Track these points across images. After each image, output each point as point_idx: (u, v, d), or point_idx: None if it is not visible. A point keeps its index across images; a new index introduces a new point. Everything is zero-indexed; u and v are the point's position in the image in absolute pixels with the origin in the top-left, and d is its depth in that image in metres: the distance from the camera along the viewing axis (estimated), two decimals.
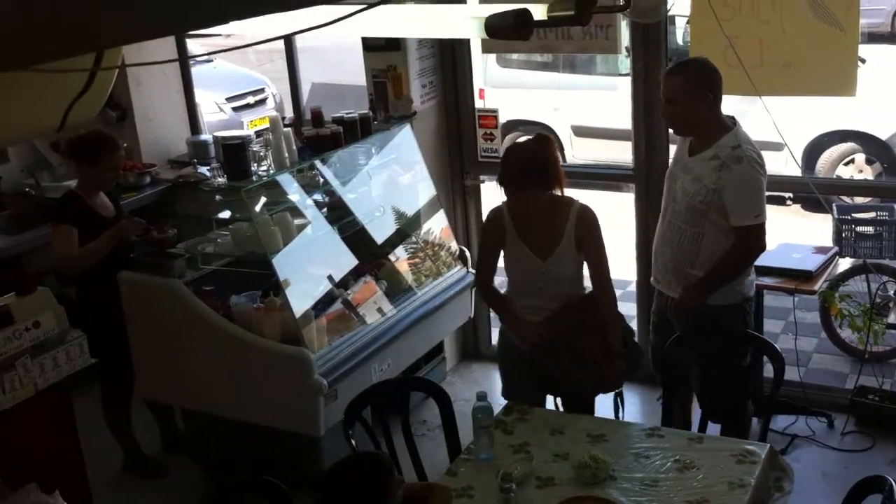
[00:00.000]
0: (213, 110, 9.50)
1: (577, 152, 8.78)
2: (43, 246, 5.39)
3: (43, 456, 3.66)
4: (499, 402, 5.37)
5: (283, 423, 4.44)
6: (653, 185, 5.17)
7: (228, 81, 10.98)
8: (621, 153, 6.25)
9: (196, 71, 10.23)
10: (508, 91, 8.51)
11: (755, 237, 3.97)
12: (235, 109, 9.87)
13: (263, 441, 4.56)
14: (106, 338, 4.71)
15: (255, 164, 4.49)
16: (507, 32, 2.19)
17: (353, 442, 3.54)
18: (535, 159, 3.79)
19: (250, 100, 10.70)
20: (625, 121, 5.36)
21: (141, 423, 5.24)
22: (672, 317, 4.19)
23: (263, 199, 4.63)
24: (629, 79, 5.21)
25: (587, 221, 3.87)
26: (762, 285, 4.71)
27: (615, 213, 5.95)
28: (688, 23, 5.25)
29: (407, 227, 5.31)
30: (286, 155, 4.55)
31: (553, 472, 3.28)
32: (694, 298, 4.04)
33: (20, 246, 5.63)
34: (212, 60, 11.52)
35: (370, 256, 5.17)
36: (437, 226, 5.37)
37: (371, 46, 5.28)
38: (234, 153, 4.41)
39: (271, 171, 4.51)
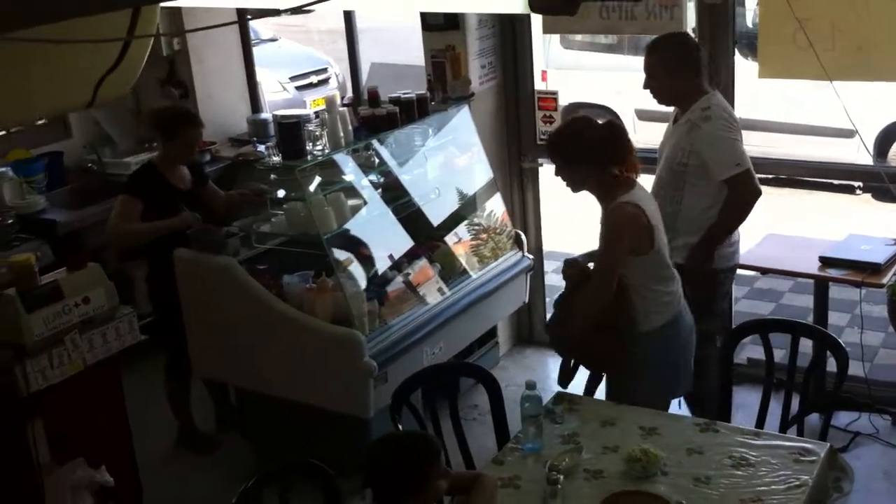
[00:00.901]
0: (276, 89, 9.52)
1: (641, 136, 8.61)
2: (103, 222, 5.44)
3: (90, 431, 3.69)
4: (550, 390, 5.35)
5: (332, 404, 4.43)
6: None
7: (292, 61, 11.00)
8: None
9: (260, 50, 10.28)
10: (572, 73, 8.37)
11: (744, 183, 4.08)
12: (299, 89, 9.88)
13: (313, 421, 4.54)
14: (172, 311, 4.76)
15: (311, 144, 4.46)
16: (552, 7, 2.09)
17: (400, 427, 3.49)
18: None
19: (313, 79, 10.71)
20: None
21: (197, 399, 5.27)
22: None
23: (318, 179, 4.61)
24: None
25: (606, 219, 3.72)
26: (827, 277, 4.57)
27: None
28: (758, 4, 5.07)
29: (463, 210, 5.25)
30: (342, 135, 4.51)
31: (602, 464, 3.19)
32: (699, 258, 4.13)
33: (81, 221, 5.69)
34: (276, 40, 11.60)
35: (425, 238, 5.12)
36: (494, 209, 5.29)
37: (430, 26, 5.21)
38: (290, 132, 4.38)
39: (326, 151, 4.48)
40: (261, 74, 7.40)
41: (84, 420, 3.65)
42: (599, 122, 3.80)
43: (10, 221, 5.49)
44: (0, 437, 3.32)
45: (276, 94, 9.26)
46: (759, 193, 4.15)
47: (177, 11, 6.38)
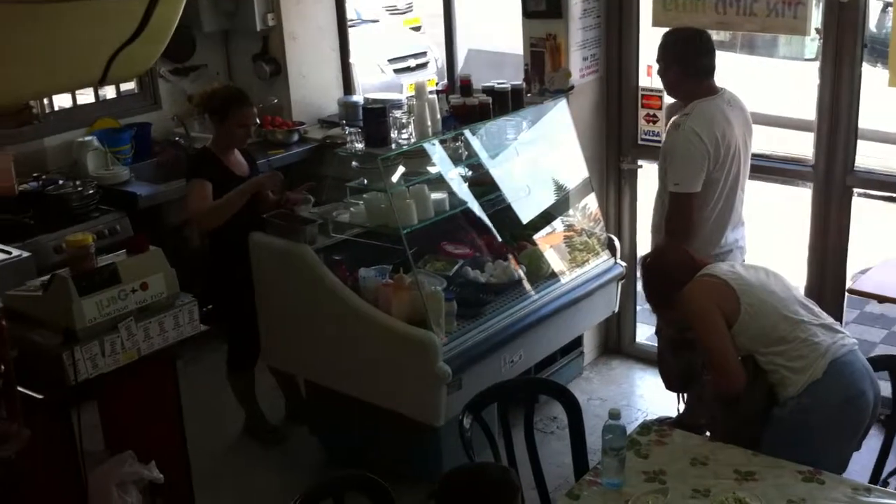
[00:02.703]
0: (373, 71, 9.32)
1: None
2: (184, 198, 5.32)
3: (141, 425, 3.51)
4: (636, 407, 5.03)
5: (402, 407, 4.18)
6: (833, 185, 4.62)
7: (392, 43, 10.82)
8: (799, 146, 5.67)
9: (359, 31, 10.12)
10: None
11: (674, 205, 4.08)
12: (397, 72, 9.67)
13: (383, 423, 4.33)
14: (236, 298, 4.60)
15: (396, 132, 4.22)
16: None
17: (470, 449, 3.22)
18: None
19: (411, 63, 10.49)
20: (807, 111, 4.80)
21: (268, 388, 5.11)
22: None
23: (401, 169, 4.36)
24: (816, 64, 4.65)
25: (684, 306, 3.49)
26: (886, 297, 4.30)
27: (790, 209, 5.43)
28: (889, 6, 4.63)
29: (553, 210, 4.94)
30: (429, 124, 4.26)
31: None
32: None
33: (165, 195, 5.57)
34: (377, 21, 11.42)
35: (511, 238, 4.84)
36: (587, 211, 4.97)
37: (531, 13, 4.90)
38: (374, 118, 4.15)
39: (412, 140, 4.23)
40: (360, 56, 7.19)
41: (135, 412, 3.48)
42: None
43: (91, 192, 5.39)
44: (46, 425, 3.15)
45: (374, 77, 9.05)
46: (685, 222, 4.07)
47: None
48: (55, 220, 5.13)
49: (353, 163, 4.38)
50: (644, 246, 5.60)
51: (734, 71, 8.00)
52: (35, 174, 5.55)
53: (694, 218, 4.11)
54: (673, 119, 4.17)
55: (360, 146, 4.21)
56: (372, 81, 8.67)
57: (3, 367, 2.78)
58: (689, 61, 4.11)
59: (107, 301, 3.17)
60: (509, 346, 4.37)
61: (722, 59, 8.17)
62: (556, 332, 4.71)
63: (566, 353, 5.07)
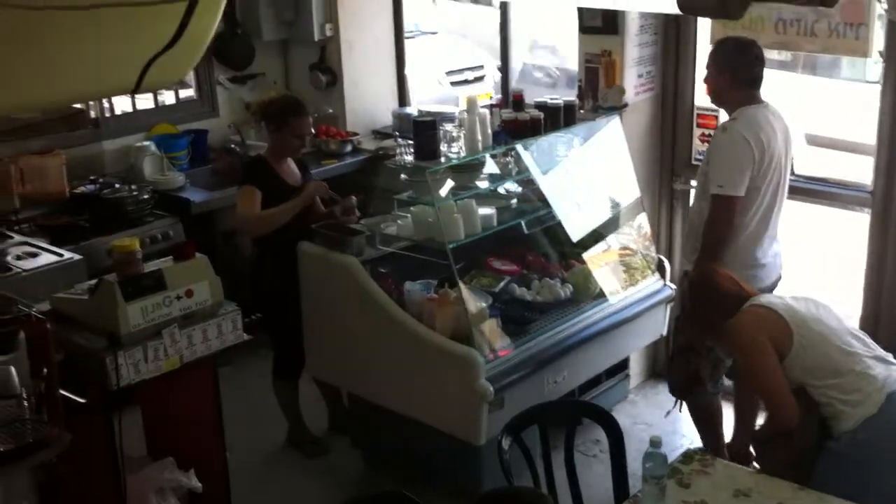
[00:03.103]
0: (431, 84, 9.34)
1: (808, 163, 7.99)
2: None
3: (184, 431, 3.53)
4: (681, 433, 4.93)
5: (443, 424, 4.16)
6: (892, 211, 4.50)
7: (450, 56, 10.82)
8: (858, 170, 5.54)
9: (417, 42, 10.13)
10: None
11: (716, 209, 4.01)
12: (454, 84, 9.67)
13: (424, 438, 4.29)
14: (283, 307, 4.60)
15: (446, 145, 4.21)
16: (703, 6, 1.72)
17: (509, 473, 3.18)
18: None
19: (468, 76, 10.49)
20: (867, 134, 4.68)
21: (313, 399, 5.12)
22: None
23: (450, 183, 4.33)
24: (877, 87, 4.54)
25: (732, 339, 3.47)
26: None
27: (846, 233, 5.32)
28: None
29: (604, 229, 4.87)
30: (479, 138, 4.23)
31: None
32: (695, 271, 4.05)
33: (219, 202, 5.61)
34: (436, 33, 11.44)
35: (560, 256, 4.79)
36: (638, 231, 4.90)
37: (587, 28, 4.86)
38: (424, 131, 4.13)
39: (462, 155, 4.21)
40: (416, 68, 7.19)
41: (177, 420, 3.49)
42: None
43: (145, 196, 5.45)
44: (88, 428, 3.18)
45: (430, 89, 9.06)
46: (726, 225, 4.03)
47: None
48: (110, 224, 5.20)
49: (402, 175, 4.36)
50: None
51: (794, 91, 7.87)
52: (92, 177, 5.64)
53: (735, 223, 4.05)
54: (720, 124, 4.16)
55: (409, 158, 4.20)
56: (429, 94, 8.68)
57: (45, 371, 2.81)
58: (740, 70, 4.09)
59: (151, 307, 3.20)
60: (553, 365, 4.32)
61: (782, 78, 8.07)
62: (601, 353, 4.65)
63: (612, 375, 4.99)
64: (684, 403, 4.40)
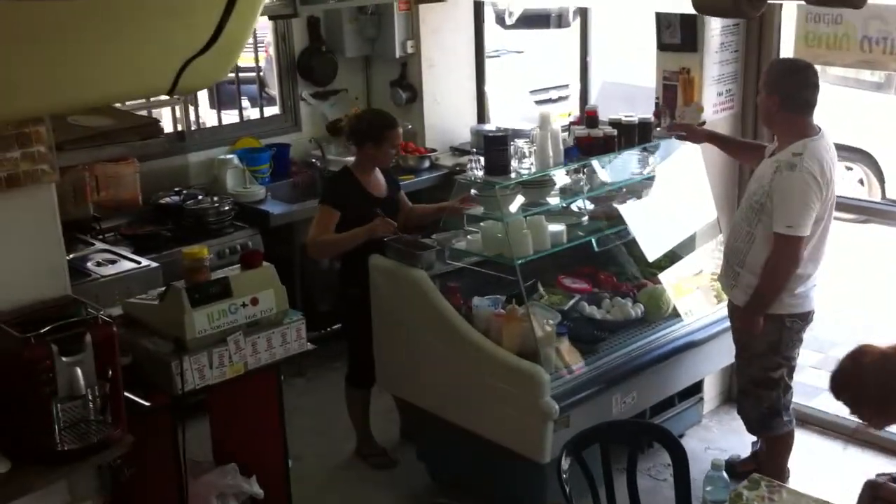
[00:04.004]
0: (514, 102, 9.35)
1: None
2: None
3: (248, 438, 3.57)
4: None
5: (508, 441, 4.12)
6: None
7: (535, 74, 10.82)
8: None
9: (502, 61, 10.15)
10: (831, 110, 7.61)
11: (784, 248, 3.93)
12: (537, 103, 9.67)
13: (489, 454, 4.26)
14: (359, 317, 4.64)
15: (517, 161, 4.19)
16: (719, 9, 1.68)
17: (566, 487, 3.13)
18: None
19: (553, 95, 10.48)
20: None
21: (384, 410, 5.16)
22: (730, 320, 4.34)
23: (520, 199, 4.31)
24: None
25: None
26: None
27: None
28: None
29: (678, 250, 4.79)
30: (551, 154, 4.20)
31: None
32: (747, 320, 4.09)
33: (297, 214, 5.69)
34: (522, 52, 11.45)
35: (631, 275, 4.72)
36: (713, 252, 4.80)
37: (665, 45, 4.79)
38: (494, 146, 4.13)
39: (532, 170, 4.19)
40: (500, 86, 7.19)
41: (242, 426, 3.54)
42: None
43: (226, 208, 5.57)
44: (153, 431, 3.24)
45: (514, 108, 9.07)
46: (794, 263, 3.96)
47: (414, 14, 6.34)
48: (191, 234, 5.31)
49: (472, 190, 4.37)
50: None
51: (888, 112, 7.64)
52: (177, 188, 5.79)
53: (800, 259, 3.98)
54: (779, 157, 3.99)
55: (479, 173, 4.20)
56: (512, 112, 8.68)
57: (110, 373, 2.87)
58: (790, 92, 3.99)
59: (217, 314, 3.25)
60: (622, 386, 4.26)
61: (874, 99, 7.83)
62: (673, 375, 4.56)
63: (685, 398, 4.88)
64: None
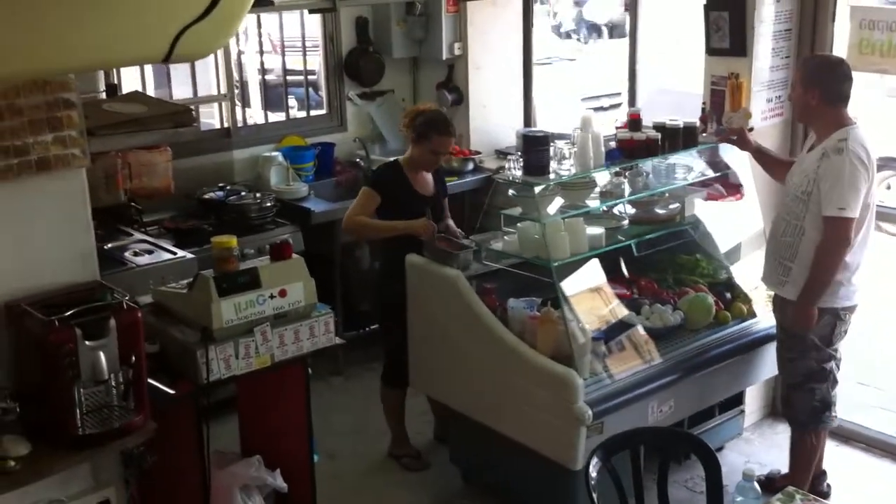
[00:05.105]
0: (564, 108, 9.29)
1: None
2: None
3: (274, 431, 3.55)
4: None
5: (540, 445, 4.05)
6: None
7: (588, 82, 10.76)
8: None
9: (555, 69, 10.10)
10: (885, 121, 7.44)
11: (835, 230, 3.93)
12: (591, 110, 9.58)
13: (521, 459, 4.19)
14: (396, 317, 4.60)
15: (556, 162, 4.13)
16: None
17: (594, 495, 3.06)
18: None
19: (604, 103, 10.41)
20: None
21: (419, 412, 5.13)
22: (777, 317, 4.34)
23: (559, 201, 4.24)
24: None
25: None
26: None
27: None
28: None
29: (722, 257, 4.68)
30: (591, 156, 4.13)
31: None
32: (803, 311, 4.07)
33: (339, 212, 5.62)
34: (574, 59, 11.40)
35: (674, 282, 4.62)
36: (758, 262, 4.67)
37: (714, 50, 4.69)
38: (533, 146, 4.06)
39: (572, 172, 4.12)
40: (552, 93, 7.14)
41: (266, 420, 3.51)
42: None
43: (268, 204, 5.57)
44: (178, 420, 3.23)
45: (563, 115, 9.01)
46: (846, 245, 3.97)
47: (462, 17, 6.32)
48: (232, 229, 5.24)
49: (510, 191, 4.31)
50: None
51: None
52: (221, 184, 5.81)
53: (851, 241, 3.98)
54: (825, 145, 4.02)
55: (518, 174, 4.14)
56: (562, 118, 8.62)
57: (134, 359, 2.86)
58: (830, 86, 4.03)
59: (245, 304, 3.23)
60: (659, 394, 4.16)
61: None
62: (713, 385, 4.45)
63: (725, 409, 4.76)
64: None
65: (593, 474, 3.14)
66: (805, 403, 4.25)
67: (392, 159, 4.91)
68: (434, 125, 4.59)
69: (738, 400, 4.83)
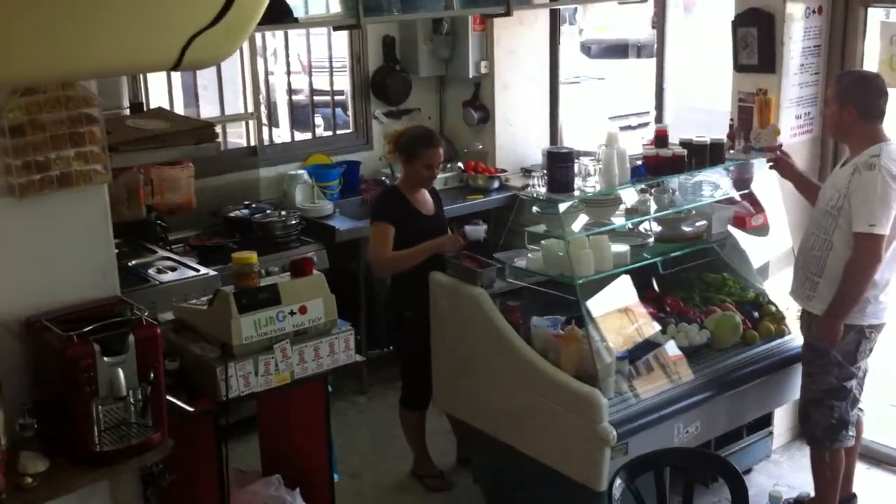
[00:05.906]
0: (592, 127, 9.25)
1: None
2: None
3: (294, 450, 3.52)
4: None
5: (563, 465, 4.00)
6: None
7: (617, 100, 10.72)
8: None
9: (583, 88, 10.07)
10: None
11: (866, 246, 3.90)
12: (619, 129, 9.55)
13: (544, 479, 4.14)
14: (414, 336, 4.58)
15: (581, 179, 4.08)
16: None
17: None
18: None
19: (633, 121, 10.36)
20: None
21: (442, 432, 5.07)
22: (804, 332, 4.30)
23: (584, 218, 4.20)
24: None
25: None
26: None
27: None
28: None
29: (750, 276, 4.61)
30: (616, 173, 4.09)
31: None
32: (828, 327, 4.02)
33: (364, 231, 5.61)
34: (603, 79, 11.37)
35: (700, 300, 4.55)
36: (787, 281, 4.60)
37: (742, 66, 4.64)
38: (557, 163, 4.02)
39: (596, 189, 4.08)
40: (580, 111, 7.10)
41: (287, 438, 3.48)
42: None
43: (293, 222, 5.57)
44: (197, 438, 3.21)
45: (591, 133, 8.98)
46: (877, 262, 3.94)
47: (489, 35, 6.31)
48: (258, 246, 5.24)
49: (535, 208, 4.27)
50: None
51: None
52: (246, 202, 5.82)
53: (881, 258, 3.95)
54: (856, 161, 4.00)
55: (542, 191, 4.10)
56: (589, 137, 8.58)
57: (152, 375, 2.85)
58: (866, 102, 4.01)
59: (265, 320, 3.21)
60: (686, 414, 4.10)
61: None
62: (740, 406, 4.38)
63: (753, 431, 4.68)
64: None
65: (617, 496, 3.09)
66: (822, 419, 4.19)
67: (389, 185, 4.89)
68: (420, 140, 4.58)
69: (766, 421, 4.75)
